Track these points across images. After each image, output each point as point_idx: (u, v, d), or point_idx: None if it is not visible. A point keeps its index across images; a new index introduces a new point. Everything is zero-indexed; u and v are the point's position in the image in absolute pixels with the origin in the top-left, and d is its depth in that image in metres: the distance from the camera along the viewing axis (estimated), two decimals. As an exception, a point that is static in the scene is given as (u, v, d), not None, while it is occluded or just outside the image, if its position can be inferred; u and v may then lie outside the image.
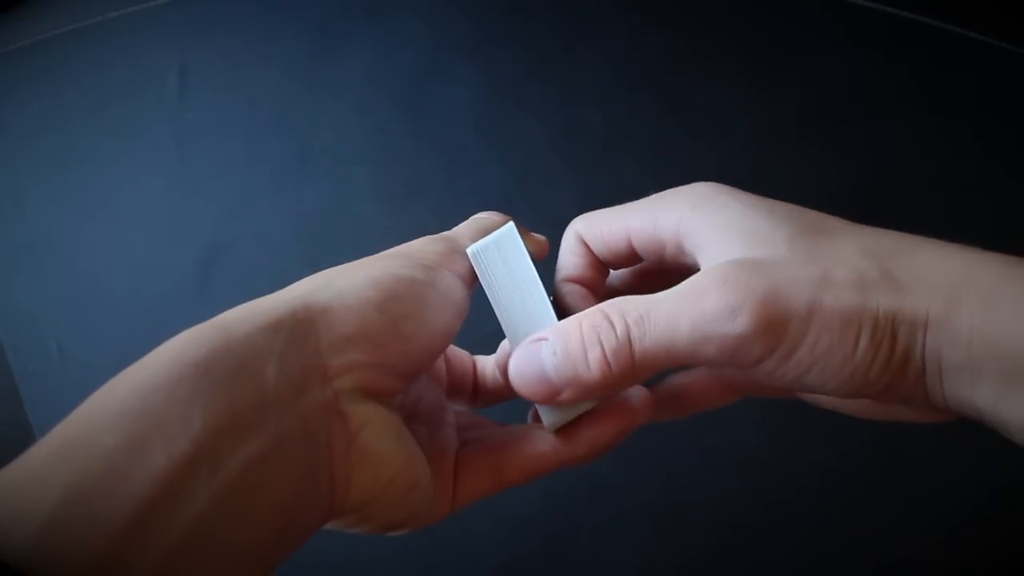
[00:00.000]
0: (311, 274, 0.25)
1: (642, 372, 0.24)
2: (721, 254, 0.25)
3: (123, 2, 0.65)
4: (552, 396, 0.25)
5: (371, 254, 0.26)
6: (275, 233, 0.60)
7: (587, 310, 0.25)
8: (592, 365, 0.24)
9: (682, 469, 0.55)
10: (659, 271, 0.30)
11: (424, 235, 0.27)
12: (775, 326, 0.23)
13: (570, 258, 0.29)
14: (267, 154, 0.62)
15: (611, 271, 0.31)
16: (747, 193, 0.26)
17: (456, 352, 0.32)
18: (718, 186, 0.26)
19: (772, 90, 0.62)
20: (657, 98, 0.63)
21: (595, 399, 0.27)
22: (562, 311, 0.28)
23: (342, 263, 0.25)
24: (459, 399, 0.32)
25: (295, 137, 0.62)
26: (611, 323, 0.24)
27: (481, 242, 0.27)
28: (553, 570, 0.54)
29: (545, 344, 0.25)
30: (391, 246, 0.26)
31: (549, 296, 0.27)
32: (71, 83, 0.64)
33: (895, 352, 0.22)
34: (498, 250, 0.27)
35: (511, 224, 0.28)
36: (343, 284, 0.24)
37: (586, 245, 0.29)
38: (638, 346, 0.24)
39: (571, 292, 0.29)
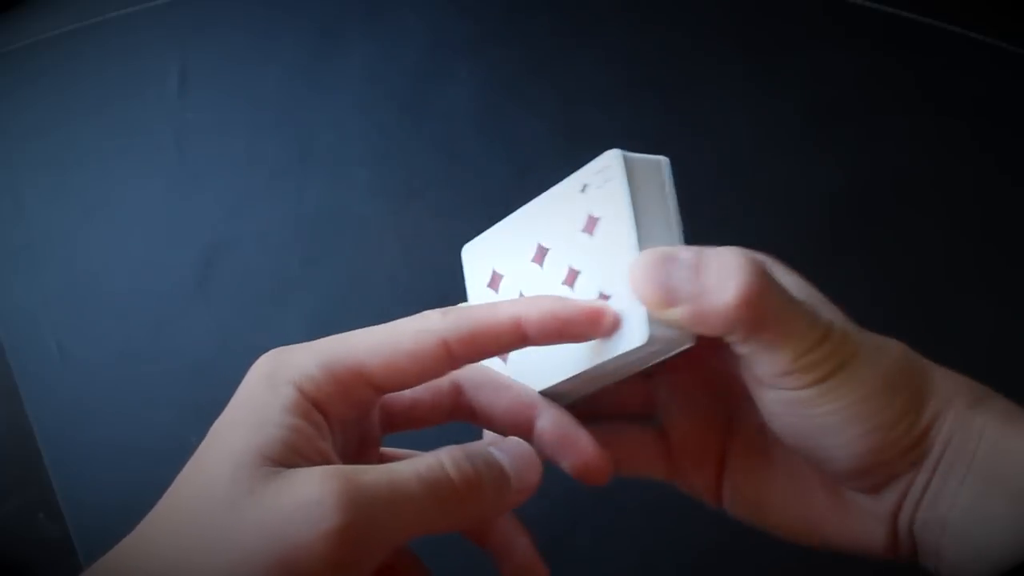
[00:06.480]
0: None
1: (749, 326, 0.24)
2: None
3: (123, 2, 0.64)
4: (665, 303, 0.24)
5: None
6: (275, 233, 0.60)
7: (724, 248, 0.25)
8: (727, 292, 0.23)
9: (682, 469, 0.55)
10: None
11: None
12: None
13: None
14: (267, 154, 0.62)
15: None
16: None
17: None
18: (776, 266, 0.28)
19: (772, 90, 0.62)
20: (657, 98, 0.62)
21: (694, 337, 0.26)
22: None
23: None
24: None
25: (295, 137, 0.62)
26: (754, 261, 0.25)
27: (637, 156, 0.27)
28: (553, 570, 0.53)
29: (684, 253, 0.25)
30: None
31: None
32: (71, 83, 0.64)
33: (918, 422, 0.26)
34: (643, 170, 0.27)
35: (666, 159, 0.28)
36: None
37: None
38: (771, 301, 0.24)
39: None
